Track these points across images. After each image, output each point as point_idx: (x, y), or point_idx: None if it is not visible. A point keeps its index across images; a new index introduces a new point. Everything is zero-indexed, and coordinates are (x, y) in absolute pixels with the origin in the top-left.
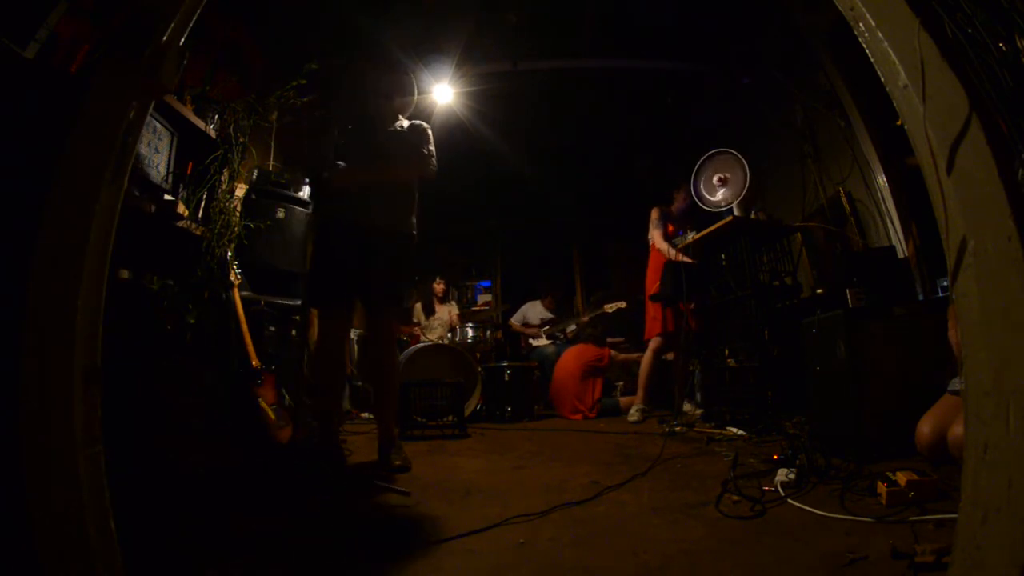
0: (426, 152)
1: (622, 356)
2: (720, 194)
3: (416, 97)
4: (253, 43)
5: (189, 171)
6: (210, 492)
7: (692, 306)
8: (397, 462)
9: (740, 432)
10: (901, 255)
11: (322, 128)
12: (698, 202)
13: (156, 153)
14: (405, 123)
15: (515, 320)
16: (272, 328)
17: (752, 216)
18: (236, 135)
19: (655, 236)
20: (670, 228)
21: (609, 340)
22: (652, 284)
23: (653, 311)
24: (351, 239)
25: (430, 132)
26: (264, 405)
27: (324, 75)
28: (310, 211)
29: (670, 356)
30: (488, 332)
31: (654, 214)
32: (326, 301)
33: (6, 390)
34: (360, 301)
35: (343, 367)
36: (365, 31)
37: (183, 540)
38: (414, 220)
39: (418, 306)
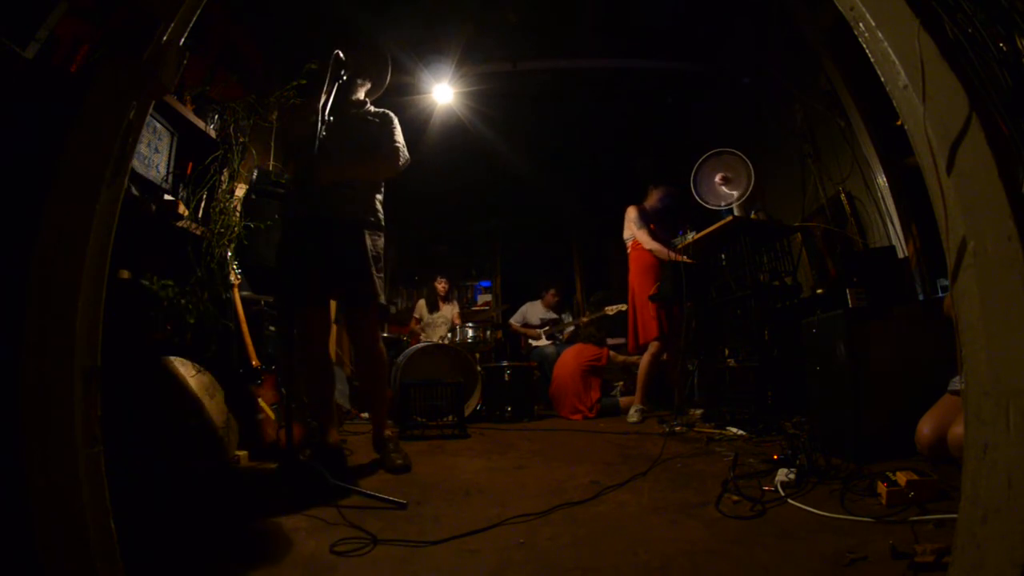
0: (396, 145)
1: (622, 357)
2: (723, 193)
3: (386, 83)
4: (253, 43)
5: (189, 171)
6: (210, 492)
7: (690, 305)
8: (399, 462)
9: (740, 432)
10: (901, 255)
11: (304, 124)
12: (699, 200)
13: (156, 153)
14: (372, 108)
15: (515, 320)
16: (272, 328)
17: (752, 216)
18: (236, 135)
19: (640, 236)
20: (652, 227)
21: (611, 341)
22: (637, 285)
23: (652, 311)
24: (316, 234)
25: (397, 121)
26: (264, 405)
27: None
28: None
29: (665, 356)
30: (488, 332)
31: (632, 213)
32: (300, 302)
33: (7, 390)
34: (338, 299)
35: (330, 367)
36: (364, 31)
37: (182, 540)
38: (380, 208)
39: (421, 302)
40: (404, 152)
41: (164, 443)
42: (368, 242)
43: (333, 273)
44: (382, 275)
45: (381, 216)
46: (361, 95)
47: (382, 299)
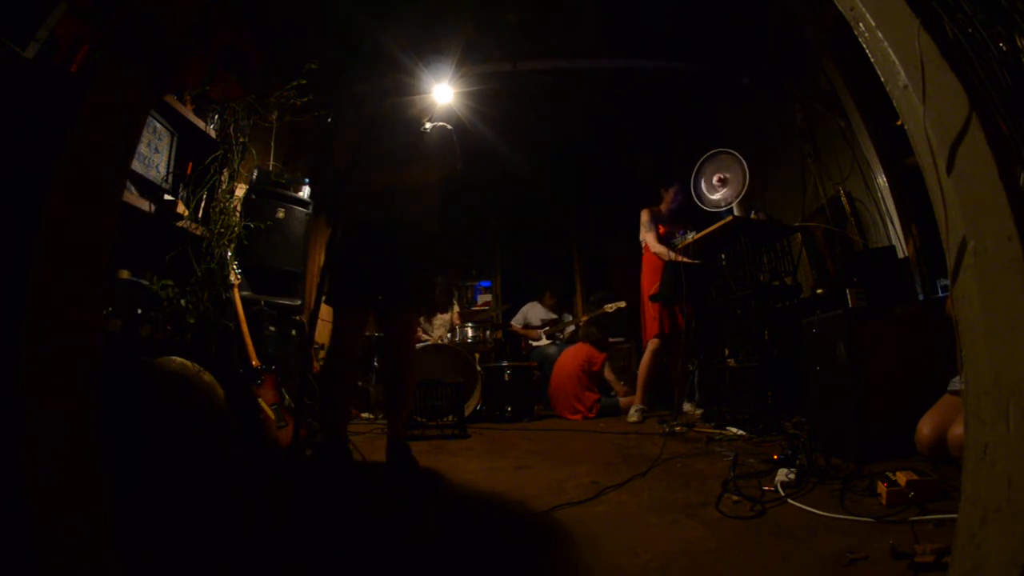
0: (452, 151)
1: (612, 377)
2: (720, 194)
3: (433, 100)
4: (253, 43)
5: (189, 171)
6: (210, 491)
7: (690, 306)
8: (407, 466)
9: (740, 432)
10: (901, 255)
11: (335, 129)
12: (698, 202)
13: (156, 153)
14: (429, 125)
15: (515, 322)
16: (272, 328)
17: (752, 216)
18: (236, 135)
19: (648, 239)
20: (662, 229)
21: (614, 342)
22: (649, 286)
23: (653, 311)
24: (380, 237)
25: (450, 131)
26: (264, 405)
27: (325, 74)
28: (310, 211)
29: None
30: (488, 332)
31: (644, 216)
32: (347, 301)
33: (7, 390)
34: (384, 300)
35: (356, 368)
36: (365, 31)
37: (183, 540)
38: (435, 219)
39: None
40: (450, 159)
41: (164, 443)
42: (420, 247)
43: (384, 274)
44: (430, 284)
45: (437, 224)
46: (413, 112)
47: (428, 302)
